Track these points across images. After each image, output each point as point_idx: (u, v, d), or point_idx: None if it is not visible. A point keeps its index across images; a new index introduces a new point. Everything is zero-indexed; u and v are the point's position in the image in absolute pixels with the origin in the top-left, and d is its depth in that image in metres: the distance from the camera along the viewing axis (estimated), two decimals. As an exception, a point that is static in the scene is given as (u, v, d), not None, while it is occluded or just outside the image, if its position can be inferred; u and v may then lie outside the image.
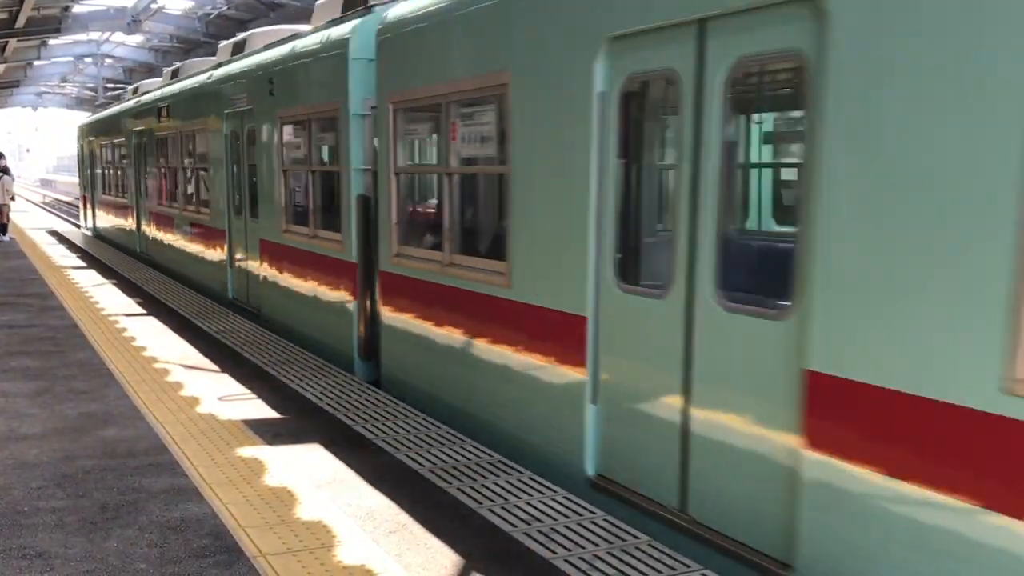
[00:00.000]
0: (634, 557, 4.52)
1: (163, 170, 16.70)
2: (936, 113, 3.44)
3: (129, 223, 20.27)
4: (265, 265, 11.38)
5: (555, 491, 5.43)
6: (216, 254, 13.49)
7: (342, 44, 8.65)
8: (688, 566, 4.42)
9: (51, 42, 44.69)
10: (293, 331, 10.50)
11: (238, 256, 12.56)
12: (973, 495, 3.39)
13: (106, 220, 23.84)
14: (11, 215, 23.86)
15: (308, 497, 5.24)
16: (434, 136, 8.06)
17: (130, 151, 19.52)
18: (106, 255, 19.33)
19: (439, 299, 7.30)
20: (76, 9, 37.23)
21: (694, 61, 4.70)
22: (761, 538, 4.39)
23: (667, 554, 4.55)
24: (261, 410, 7.21)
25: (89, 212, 26.80)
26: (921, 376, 3.53)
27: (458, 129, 6.99)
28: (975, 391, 3.33)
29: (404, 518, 5.00)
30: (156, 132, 17.10)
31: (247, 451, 6.07)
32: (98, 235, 24.66)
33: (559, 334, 5.80)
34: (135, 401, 7.27)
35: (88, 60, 51.64)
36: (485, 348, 6.67)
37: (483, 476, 5.71)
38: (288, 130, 10.25)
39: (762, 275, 5.43)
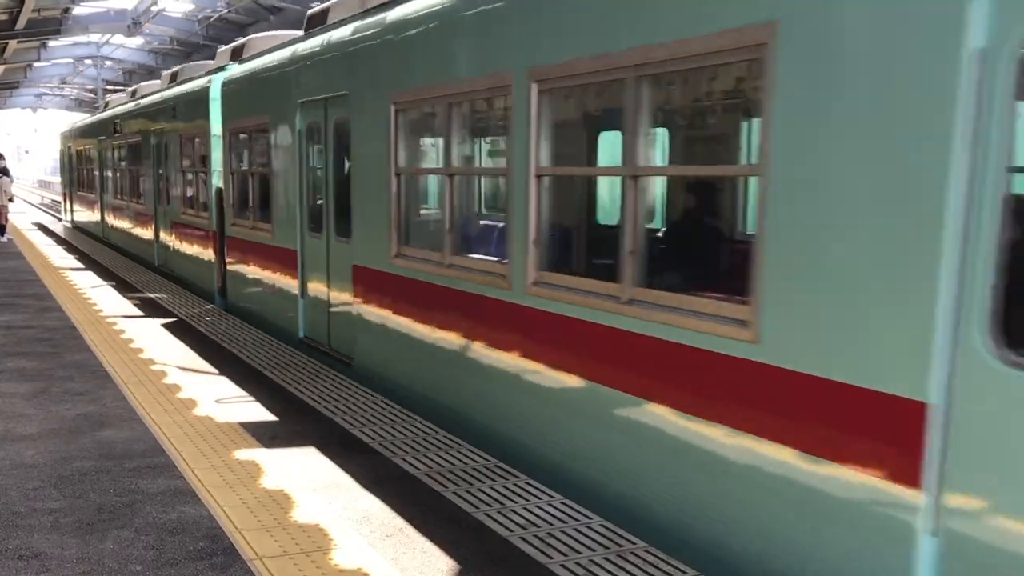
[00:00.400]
0: (630, 563, 4.52)
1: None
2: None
3: (97, 215, 24.23)
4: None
5: (552, 496, 5.43)
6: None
7: (205, 90, 13.71)
8: (684, 572, 4.42)
9: (51, 43, 44.70)
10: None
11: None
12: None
13: (84, 215, 27.69)
14: (9, 216, 23.85)
15: (305, 500, 5.24)
16: (250, 150, 12.11)
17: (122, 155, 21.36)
18: (106, 258, 19.33)
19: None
20: (76, 11, 37.25)
21: None
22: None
23: (662, 559, 4.55)
24: (258, 412, 7.21)
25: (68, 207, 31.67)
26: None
27: (256, 147, 11.73)
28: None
29: (401, 522, 5.00)
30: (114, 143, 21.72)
31: (244, 453, 6.07)
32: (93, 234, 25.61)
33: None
34: (132, 403, 7.26)
35: (88, 62, 51.66)
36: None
37: (480, 480, 5.71)
38: (188, 142, 15.06)
39: None
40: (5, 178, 22.46)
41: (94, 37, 46.23)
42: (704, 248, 6.58)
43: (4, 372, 8.33)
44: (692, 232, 6.70)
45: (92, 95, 48.52)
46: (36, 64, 50.07)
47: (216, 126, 13.03)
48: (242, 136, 12.16)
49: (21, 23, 32.33)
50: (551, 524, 5.00)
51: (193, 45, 43.58)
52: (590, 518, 5.09)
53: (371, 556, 4.50)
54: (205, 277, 14.11)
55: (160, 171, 16.87)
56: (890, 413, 3.67)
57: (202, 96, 13.72)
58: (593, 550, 4.66)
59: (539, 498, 5.40)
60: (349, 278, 8.88)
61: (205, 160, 13.66)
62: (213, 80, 13.27)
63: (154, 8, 37.24)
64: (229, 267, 12.81)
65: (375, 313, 8.41)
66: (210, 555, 4.47)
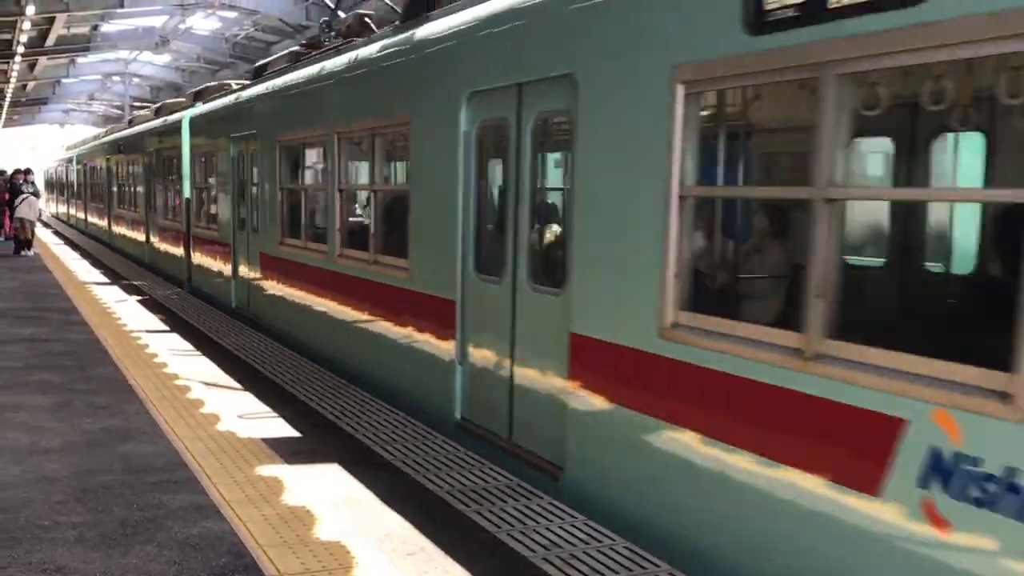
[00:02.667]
0: (654, 585, 4.47)
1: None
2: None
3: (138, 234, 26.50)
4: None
5: (575, 516, 5.39)
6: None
7: (179, 123, 17.57)
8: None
9: (79, 60, 45.27)
10: None
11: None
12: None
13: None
14: (36, 230, 24.11)
15: (326, 517, 5.22)
16: (204, 170, 16.21)
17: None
18: (117, 263, 19.47)
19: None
20: (105, 28, 37.72)
21: None
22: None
23: (688, 583, 4.50)
24: (280, 428, 7.21)
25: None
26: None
27: (208, 168, 15.76)
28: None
29: (422, 540, 4.97)
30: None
31: (266, 469, 6.06)
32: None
33: None
34: (155, 417, 7.28)
35: (116, 78, 52.26)
36: None
37: (502, 500, 5.68)
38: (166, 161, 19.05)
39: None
40: (31, 196, 22.81)
41: (122, 54, 46.79)
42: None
43: (29, 385, 8.38)
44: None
45: (119, 111, 49.07)
46: (65, 80, 50.73)
47: (186, 150, 17.17)
48: (201, 159, 16.44)
49: (51, 40, 32.78)
50: (574, 545, 4.95)
51: (219, 63, 44.01)
52: (613, 540, 5.05)
53: (392, 574, 4.47)
54: (176, 265, 18.33)
55: (150, 188, 21.08)
56: (441, 305, 7.26)
57: (176, 126, 17.89)
58: (617, 572, 4.61)
59: (561, 519, 5.36)
60: (258, 262, 12.64)
61: (179, 176, 17.81)
62: (184, 116, 17.57)
63: (182, 26, 37.65)
64: (193, 259, 16.98)
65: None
66: (232, 571, 4.45)
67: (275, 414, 7.63)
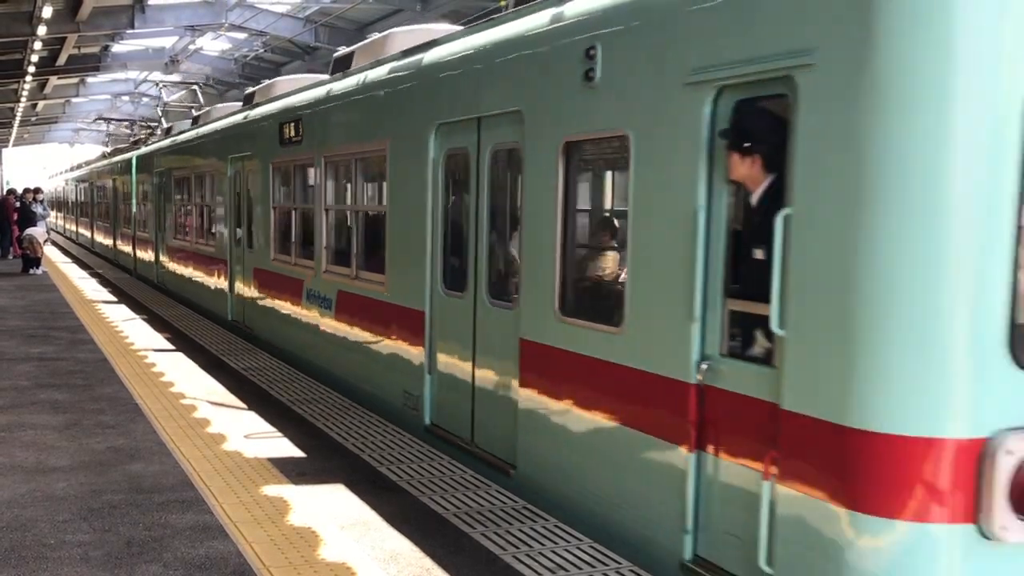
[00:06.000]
0: (660, 609, 4.45)
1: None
2: None
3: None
4: None
5: (580, 539, 5.38)
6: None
7: (130, 160, 24.26)
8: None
9: (89, 80, 45.54)
10: None
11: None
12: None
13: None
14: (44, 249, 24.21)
15: (332, 538, 5.22)
16: (145, 193, 22.09)
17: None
18: (115, 275, 19.56)
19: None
20: (116, 48, 37.97)
21: None
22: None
23: (694, 607, 4.49)
24: (286, 448, 7.22)
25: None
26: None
27: (144, 191, 22.41)
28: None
29: (428, 563, 4.97)
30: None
31: (272, 489, 6.07)
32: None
33: None
34: (162, 436, 7.30)
35: (125, 98, 52.53)
36: None
37: (508, 522, 5.67)
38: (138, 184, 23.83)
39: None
40: (45, 219, 23.34)
41: (132, 74, 47.04)
42: None
43: (37, 404, 8.41)
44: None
45: (128, 131, 49.39)
46: (75, 99, 51.02)
47: (133, 179, 23.75)
48: (141, 187, 22.69)
49: (62, 59, 33.00)
50: (580, 568, 4.94)
51: (228, 83, 44.24)
52: (619, 563, 5.03)
53: (399, 597, 4.47)
54: (126, 258, 25.20)
55: (117, 205, 27.46)
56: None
57: (130, 162, 24.51)
58: (623, 596, 4.60)
59: (567, 542, 5.35)
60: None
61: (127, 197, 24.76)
62: (133, 155, 24.23)
63: (191, 47, 37.89)
64: (139, 253, 23.25)
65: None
66: (238, 592, 4.45)
67: (281, 434, 7.64)
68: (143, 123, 39.01)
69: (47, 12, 22.50)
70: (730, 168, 4.50)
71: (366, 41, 10.57)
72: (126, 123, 44.40)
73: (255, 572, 4.70)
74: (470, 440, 7.08)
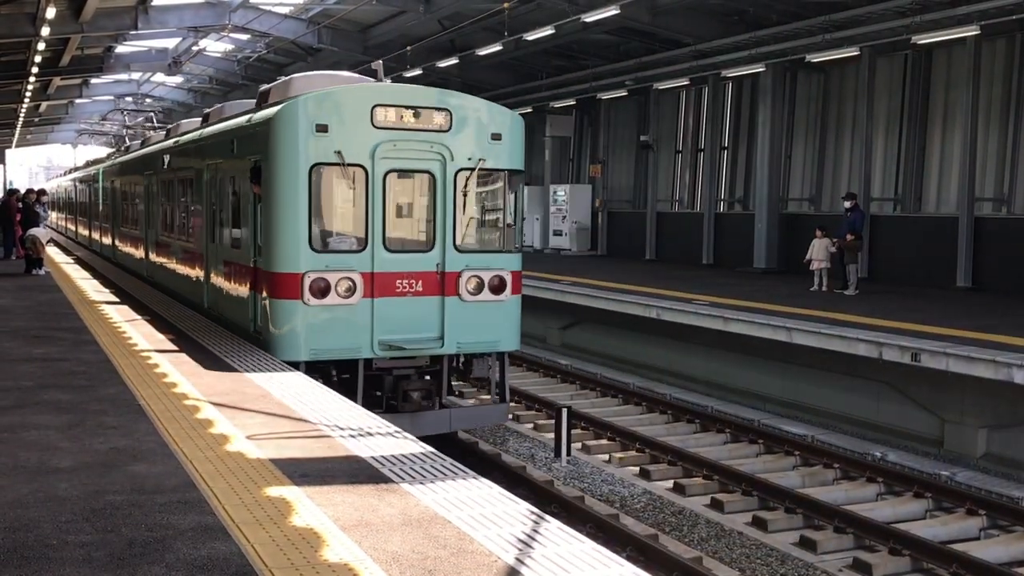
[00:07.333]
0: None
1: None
2: None
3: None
4: None
5: (583, 542, 5.38)
6: None
7: (97, 173, 31.36)
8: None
9: (92, 81, 45.57)
10: None
11: None
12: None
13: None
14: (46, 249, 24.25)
15: (334, 539, 5.23)
16: (110, 198, 28.12)
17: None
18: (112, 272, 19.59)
19: None
20: (119, 49, 38.00)
21: None
22: None
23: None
24: (289, 449, 7.22)
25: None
26: None
27: (108, 195, 28.69)
28: None
29: (431, 564, 4.97)
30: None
31: (274, 490, 6.07)
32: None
33: None
34: (164, 437, 7.30)
35: (128, 99, 52.57)
36: None
37: (510, 524, 5.67)
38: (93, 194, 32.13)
39: None
40: (45, 220, 23.48)
41: (135, 75, 47.09)
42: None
43: (39, 404, 8.42)
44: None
45: (131, 131, 49.49)
46: (78, 100, 51.06)
47: (102, 186, 29.16)
48: (106, 191, 28.21)
49: (65, 60, 33.05)
50: (582, 571, 4.94)
51: (231, 84, 44.25)
52: (622, 565, 5.04)
53: (401, 598, 4.46)
54: (97, 244, 31.14)
55: (94, 207, 33.01)
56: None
57: (97, 173, 30.66)
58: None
59: (570, 544, 5.35)
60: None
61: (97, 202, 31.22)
62: (100, 168, 30.52)
63: (194, 48, 37.92)
64: (103, 239, 29.33)
65: None
66: (240, 593, 4.46)
67: (284, 435, 7.64)
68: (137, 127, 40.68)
69: (51, 13, 22.55)
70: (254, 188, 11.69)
71: (218, 106, 18.07)
72: (127, 128, 46.34)
73: (257, 573, 4.70)
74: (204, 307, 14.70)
